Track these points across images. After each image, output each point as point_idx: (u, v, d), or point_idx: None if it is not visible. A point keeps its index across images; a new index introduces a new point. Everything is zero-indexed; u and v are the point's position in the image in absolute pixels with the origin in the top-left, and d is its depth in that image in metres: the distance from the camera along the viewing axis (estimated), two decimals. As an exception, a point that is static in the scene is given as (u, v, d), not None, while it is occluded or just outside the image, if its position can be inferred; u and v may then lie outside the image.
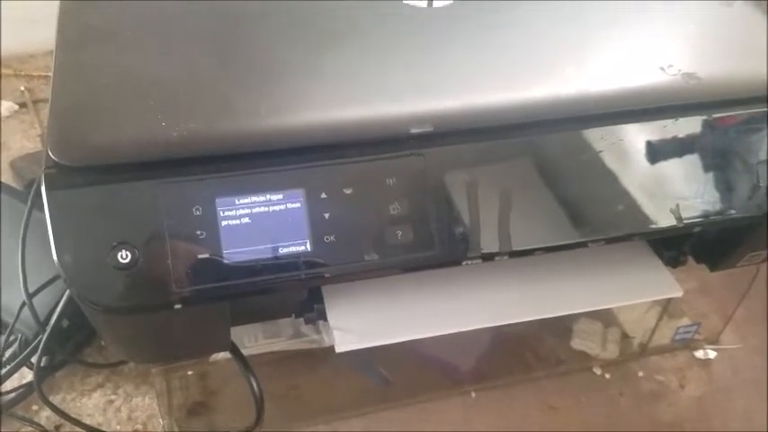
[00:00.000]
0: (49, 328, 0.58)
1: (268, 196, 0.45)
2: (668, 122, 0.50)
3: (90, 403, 0.65)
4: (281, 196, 0.45)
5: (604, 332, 0.73)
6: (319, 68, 0.50)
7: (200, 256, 0.43)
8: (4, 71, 1.02)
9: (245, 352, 0.63)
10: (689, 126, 0.50)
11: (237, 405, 0.59)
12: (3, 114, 0.96)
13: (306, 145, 0.46)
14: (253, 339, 0.66)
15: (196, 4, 0.55)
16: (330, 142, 0.46)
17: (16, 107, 0.97)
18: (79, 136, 0.44)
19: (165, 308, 0.44)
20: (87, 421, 0.63)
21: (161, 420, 0.64)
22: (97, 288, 0.43)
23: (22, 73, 1.03)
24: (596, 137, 0.49)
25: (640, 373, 0.73)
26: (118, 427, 0.63)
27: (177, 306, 0.43)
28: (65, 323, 0.63)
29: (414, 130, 0.46)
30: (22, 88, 0.99)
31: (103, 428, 0.62)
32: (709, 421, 0.69)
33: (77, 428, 0.61)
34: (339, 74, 0.50)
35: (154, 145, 0.44)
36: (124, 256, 0.42)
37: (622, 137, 0.49)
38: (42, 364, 0.64)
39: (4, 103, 0.96)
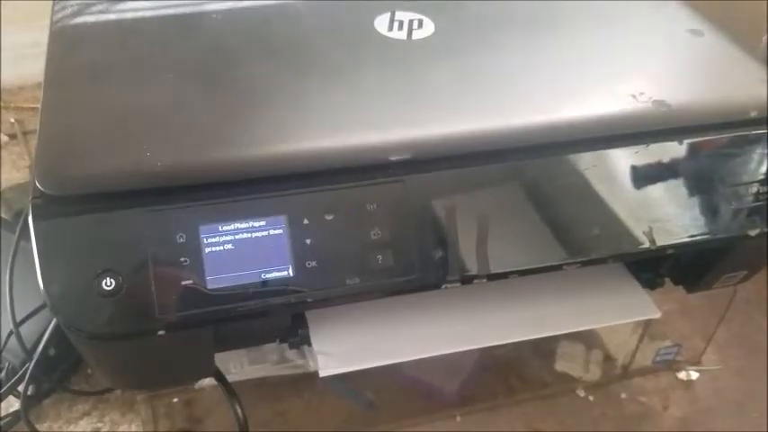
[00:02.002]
0: (35, 357, 0.59)
1: (251, 223, 0.46)
2: (640, 148, 0.51)
3: (77, 431, 0.65)
4: (263, 223, 0.46)
5: (587, 354, 0.74)
6: (301, 98, 0.51)
7: (184, 283, 0.44)
8: (-4, 103, 1.03)
9: (230, 378, 0.64)
10: (660, 151, 0.52)
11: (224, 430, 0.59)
12: (-7, 145, 0.97)
13: (288, 173, 0.47)
14: (238, 365, 0.66)
15: (181, 38, 0.57)
16: (312, 170, 0.47)
17: (6, 138, 0.98)
18: (66, 166, 0.45)
19: (149, 334, 0.44)
20: (73, 450, 0.63)
21: (146, 449, 0.64)
22: (82, 315, 0.43)
23: (12, 105, 1.04)
24: (571, 162, 0.50)
25: (623, 395, 0.73)
26: (103, 456, 0.63)
27: (161, 332, 0.44)
28: (51, 351, 0.63)
29: (393, 158, 0.48)
30: (12, 120, 1.00)
31: (89, 457, 0.62)
32: (693, 442, 0.70)
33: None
34: (320, 103, 0.51)
35: (139, 174, 0.45)
36: (108, 284, 0.43)
37: (596, 162, 0.50)
38: (29, 393, 0.64)
39: (-6, 134, 0.98)
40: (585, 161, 0.50)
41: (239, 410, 0.55)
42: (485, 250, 0.48)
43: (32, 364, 0.59)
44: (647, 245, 0.51)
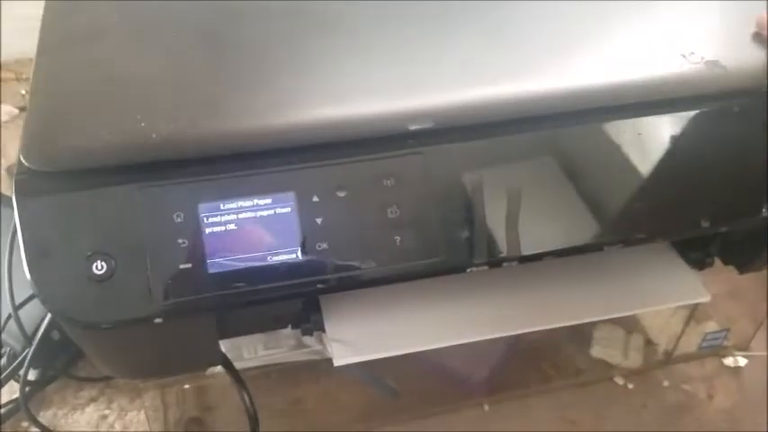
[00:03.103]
0: (35, 341, 0.56)
1: (255, 201, 0.42)
2: (692, 114, 0.46)
3: (82, 419, 0.63)
4: (269, 200, 0.42)
5: (626, 339, 0.69)
6: (311, 65, 0.47)
7: (182, 266, 0.41)
8: (4, 75, 1.00)
9: (243, 364, 0.61)
10: (713, 118, 0.46)
11: (235, 420, 0.56)
12: (2, 119, 0.94)
13: (299, 144, 0.42)
14: (252, 351, 0.63)
15: (180, 3, 0.52)
16: (323, 141, 0.43)
17: (16, 111, 0.95)
18: (52, 139, 0.42)
19: (145, 322, 0.41)
20: (79, 438, 0.61)
21: (155, 437, 0.61)
22: (72, 302, 0.40)
23: (23, 77, 1.01)
24: (612, 131, 0.45)
25: (665, 383, 0.69)
26: (110, 445, 0.61)
27: (158, 320, 0.41)
28: (55, 335, 0.61)
29: (413, 127, 0.43)
30: (23, 92, 0.98)
31: (95, 445, 0.60)
32: (740, 434, 0.65)
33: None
34: (333, 71, 0.46)
35: (131, 147, 0.41)
36: (99, 267, 0.40)
37: (641, 130, 0.45)
38: (33, 378, 0.62)
39: (3, 107, 0.95)
40: (629, 129, 0.45)
41: (248, 400, 0.51)
42: (515, 230, 0.43)
43: (33, 349, 0.56)
44: (700, 223, 0.45)
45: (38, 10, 0.54)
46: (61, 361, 0.64)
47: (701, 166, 0.46)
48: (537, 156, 0.44)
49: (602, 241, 0.45)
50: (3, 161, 0.87)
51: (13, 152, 0.89)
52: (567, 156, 0.44)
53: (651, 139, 0.45)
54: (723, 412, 0.67)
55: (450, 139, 0.43)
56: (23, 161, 0.41)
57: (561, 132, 0.44)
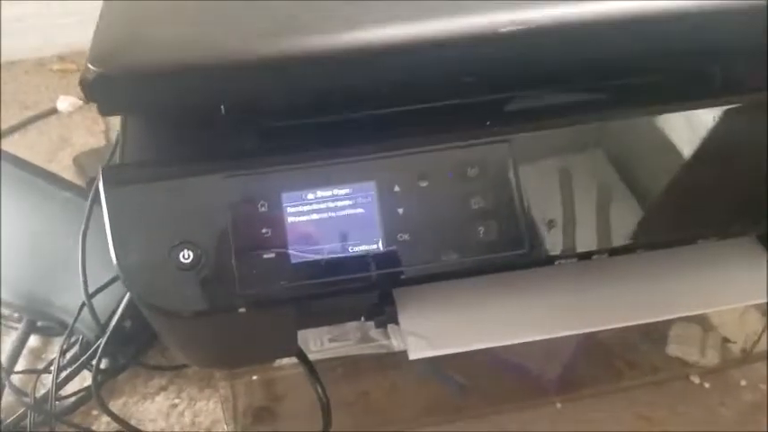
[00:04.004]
0: (109, 330, 0.56)
1: (336, 190, 0.41)
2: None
3: (153, 407, 0.63)
4: (350, 190, 0.41)
5: (703, 337, 0.67)
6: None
7: (266, 256, 0.40)
8: (68, 66, 1.02)
9: (310, 356, 0.60)
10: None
11: (304, 411, 0.56)
12: (66, 110, 0.96)
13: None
14: (318, 343, 0.63)
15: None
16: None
17: (80, 103, 0.97)
18: (123, 41, 0.41)
19: (229, 311, 0.41)
20: (150, 426, 0.61)
21: (225, 426, 0.61)
22: (158, 290, 0.40)
23: (86, 69, 1.02)
24: (707, 118, 0.43)
25: (743, 382, 0.66)
26: (181, 434, 0.61)
27: (241, 309, 0.40)
28: (127, 324, 0.61)
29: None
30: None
31: (165, 435, 0.60)
32: (823, 436, 0.62)
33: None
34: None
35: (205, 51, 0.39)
36: (186, 257, 0.40)
37: (736, 118, 0.43)
38: (104, 367, 0.62)
39: (67, 98, 0.96)
40: (724, 117, 0.43)
41: (321, 393, 0.51)
42: (606, 221, 0.42)
43: (106, 338, 0.56)
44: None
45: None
46: (132, 350, 0.65)
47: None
48: (631, 142, 0.43)
49: (696, 234, 0.43)
50: (67, 151, 0.89)
51: (78, 143, 0.91)
52: (662, 145, 0.43)
53: (748, 128, 0.43)
54: (803, 413, 0.64)
55: (537, 126, 0.42)
56: (91, 66, 0.39)
57: (656, 119, 0.42)
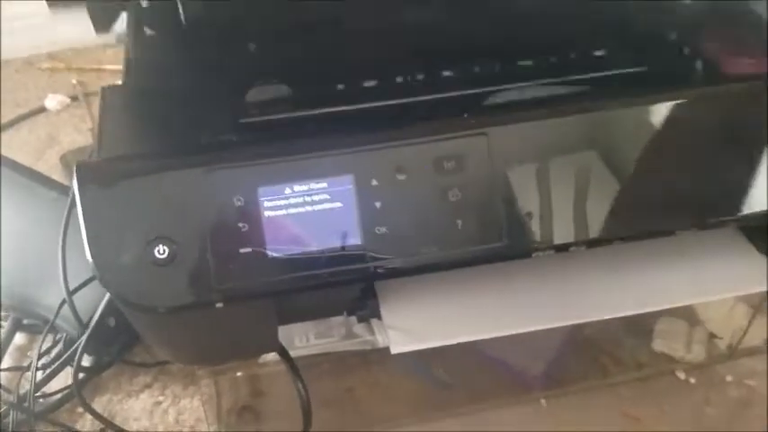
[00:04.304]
0: (90, 328, 0.56)
1: (314, 184, 0.41)
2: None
3: (137, 405, 0.63)
4: (327, 184, 0.41)
5: (689, 332, 0.66)
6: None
7: (243, 251, 0.40)
8: (56, 65, 1.02)
9: (295, 352, 0.60)
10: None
11: (289, 408, 0.55)
12: (55, 108, 0.95)
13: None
14: (303, 339, 0.62)
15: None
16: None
17: (68, 101, 0.96)
18: None
19: (206, 306, 0.40)
20: (134, 425, 0.61)
21: (208, 425, 0.61)
22: (133, 286, 0.40)
23: (74, 66, 1.02)
24: (683, 107, 0.42)
25: (729, 378, 0.66)
26: (164, 432, 0.61)
27: (219, 305, 0.40)
28: (111, 321, 0.61)
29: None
30: (74, 81, 0.99)
31: (149, 432, 0.60)
32: (810, 432, 0.62)
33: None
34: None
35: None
36: (161, 252, 0.39)
37: (716, 105, 0.43)
38: (88, 365, 0.62)
39: (56, 96, 0.96)
40: (702, 104, 0.43)
41: (302, 389, 0.50)
42: (583, 212, 0.42)
43: (87, 335, 0.56)
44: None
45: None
46: (116, 347, 0.65)
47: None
48: (607, 133, 0.43)
49: (674, 225, 0.43)
50: (55, 149, 0.88)
51: (65, 140, 0.90)
52: (636, 135, 0.43)
53: (727, 115, 0.43)
54: (790, 409, 0.63)
55: (515, 118, 0.42)
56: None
57: (630, 110, 0.42)
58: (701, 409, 0.63)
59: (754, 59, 0.47)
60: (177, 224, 0.40)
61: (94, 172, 0.40)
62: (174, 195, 0.40)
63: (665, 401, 0.63)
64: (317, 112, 0.48)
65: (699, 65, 0.49)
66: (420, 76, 0.51)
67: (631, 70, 0.49)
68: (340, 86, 0.51)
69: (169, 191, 0.40)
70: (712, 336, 0.67)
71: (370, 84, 0.51)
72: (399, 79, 0.51)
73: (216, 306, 0.40)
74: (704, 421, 0.62)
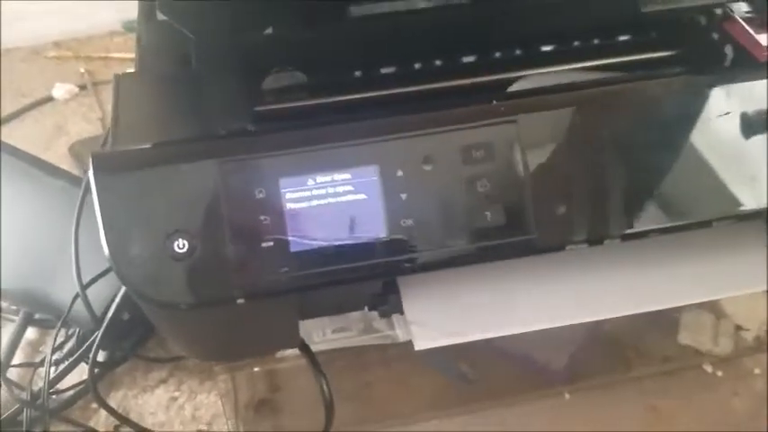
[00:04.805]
0: (105, 322, 0.55)
1: (337, 175, 0.39)
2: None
3: (152, 400, 0.62)
4: (351, 175, 0.39)
5: (716, 325, 0.65)
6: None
7: (264, 245, 0.39)
8: (63, 53, 1.00)
9: (313, 347, 0.59)
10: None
11: (306, 402, 0.55)
12: (63, 97, 0.94)
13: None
14: (321, 334, 0.61)
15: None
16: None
17: (76, 90, 0.95)
18: None
19: (227, 302, 0.39)
20: (149, 420, 0.60)
21: (226, 420, 0.59)
22: (152, 281, 0.39)
23: (82, 55, 1.01)
24: (721, 96, 0.41)
25: (757, 371, 0.64)
26: (181, 427, 0.60)
27: (240, 300, 0.39)
28: (125, 316, 0.60)
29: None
30: (82, 70, 0.97)
31: (166, 429, 0.59)
32: (840, 426, 0.60)
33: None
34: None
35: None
36: (181, 246, 0.38)
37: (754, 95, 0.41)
38: (102, 360, 0.61)
39: (63, 86, 0.95)
40: (742, 95, 0.41)
41: (325, 387, 0.49)
42: (619, 204, 0.40)
43: (102, 330, 0.55)
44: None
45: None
46: (131, 342, 0.64)
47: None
48: (646, 121, 0.41)
49: (712, 217, 0.41)
50: (63, 139, 0.87)
51: (73, 130, 0.89)
52: (674, 121, 0.41)
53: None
54: (820, 401, 0.62)
55: (546, 105, 0.40)
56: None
57: (670, 99, 0.41)
58: (729, 403, 0.62)
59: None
60: (197, 217, 0.38)
61: (111, 162, 0.39)
62: (194, 187, 0.38)
63: (692, 395, 0.62)
64: (334, 99, 0.47)
65: (728, 50, 0.47)
66: (439, 62, 0.50)
67: (656, 55, 0.48)
68: (357, 73, 0.49)
69: (188, 182, 0.38)
70: (739, 328, 0.66)
71: (388, 70, 0.49)
72: (418, 65, 0.50)
73: (237, 302, 0.39)
74: (732, 414, 0.61)
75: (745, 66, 0.45)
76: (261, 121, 0.44)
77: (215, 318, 0.42)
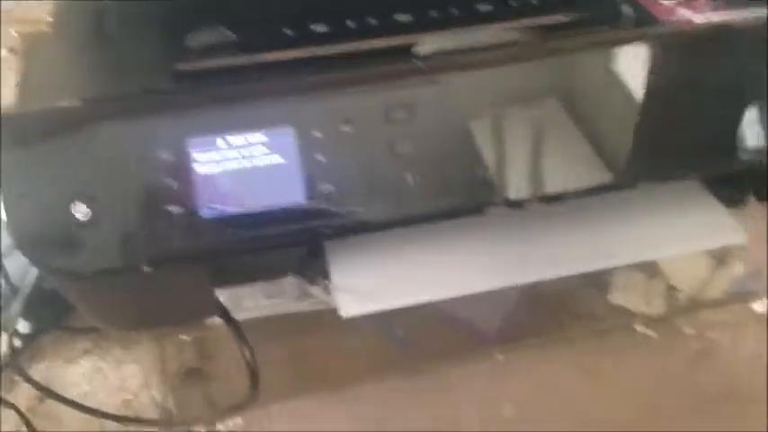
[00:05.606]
0: (24, 292, 0.53)
1: (250, 136, 0.37)
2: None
3: (77, 371, 0.60)
4: (265, 136, 0.37)
5: (647, 284, 0.65)
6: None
7: (170, 209, 0.37)
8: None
9: (245, 314, 0.58)
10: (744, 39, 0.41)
11: (237, 370, 0.53)
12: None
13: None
14: (253, 300, 0.60)
15: None
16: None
17: (5, 53, 0.90)
18: None
19: (133, 271, 0.37)
20: (73, 391, 0.58)
21: (153, 389, 0.58)
22: (53, 250, 0.37)
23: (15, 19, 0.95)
24: (640, 55, 0.40)
25: (689, 331, 0.65)
26: (106, 398, 0.58)
27: (146, 268, 0.37)
28: (47, 286, 0.57)
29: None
30: (14, 33, 0.92)
31: (90, 399, 0.57)
32: (768, 384, 0.62)
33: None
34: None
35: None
36: (83, 213, 0.36)
37: (669, 55, 0.40)
38: (25, 331, 0.59)
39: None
40: (659, 53, 0.40)
41: (248, 354, 0.48)
42: (538, 166, 0.39)
43: (21, 301, 0.53)
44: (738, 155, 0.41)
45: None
46: (54, 312, 0.61)
47: (736, 93, 0.41)
48: (564, 81, 0.40)
49: (633, 179, 0.41)
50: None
51: (5, 95, 0.84)
52: (596, 81, 0.40)
53: (681, 65, 0.40)
54: (750, 360, 0.63)
55: (468, 64, 0.39)
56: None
57: (586, 58, 0.40)
58: (661, 362, 0.63)
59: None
60: (100, 182, 0.37)
61: (9, 126, 0.37)
62: (96, 150, 0.37)
63: (624, 355, 0.63)
64: (261, 58, 0.44)
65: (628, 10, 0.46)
66: (374, 21, 0.48)
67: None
68: (288, 32, 0.47)
69: (90, 145, 0.37)
70: (671, 288, 0.66)
71: (320, 29, 0.47)
72: (351, 24, 0.48)
73: (143, 270, 0.37)
74: (664, 374, 0.62)
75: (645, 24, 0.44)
76: (182, 80, 0.42)
77: (123, 287, 0.40)
